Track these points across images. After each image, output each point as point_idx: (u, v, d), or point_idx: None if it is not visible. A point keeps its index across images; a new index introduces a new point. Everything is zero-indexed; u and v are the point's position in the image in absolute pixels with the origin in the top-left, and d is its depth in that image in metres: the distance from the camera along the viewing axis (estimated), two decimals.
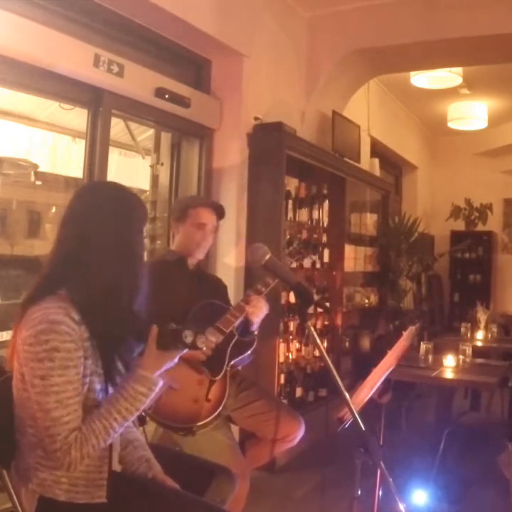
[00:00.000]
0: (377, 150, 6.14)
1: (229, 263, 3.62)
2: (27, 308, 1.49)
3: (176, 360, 1.56)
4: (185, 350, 1.55)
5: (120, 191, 1.65)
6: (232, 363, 2.44)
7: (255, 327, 2.53)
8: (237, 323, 2.41)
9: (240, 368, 2.57)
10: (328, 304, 4.46)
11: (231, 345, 2.43)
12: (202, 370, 2.36)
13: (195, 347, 1.54)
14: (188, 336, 1.52)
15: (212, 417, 2.32)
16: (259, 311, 2.48)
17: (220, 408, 2.35)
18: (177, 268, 2.62)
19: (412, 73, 5.57)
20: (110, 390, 1.56)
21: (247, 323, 2.51)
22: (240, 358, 2.48)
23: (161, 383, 1.54)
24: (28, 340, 1.43)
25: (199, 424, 2.30)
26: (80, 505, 1.51)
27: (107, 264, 1.53)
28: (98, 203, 1.59)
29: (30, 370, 1.43)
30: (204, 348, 1.76)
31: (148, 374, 1.52)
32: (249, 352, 2.51)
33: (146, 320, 1.60)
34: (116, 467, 1.64)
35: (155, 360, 1.53)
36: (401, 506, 1.78)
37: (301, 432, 2.64)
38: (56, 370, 1.41)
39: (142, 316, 1.58)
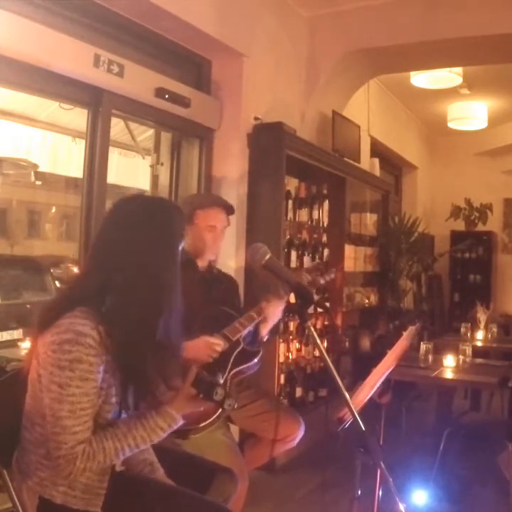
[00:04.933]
0: (377, 150, 6.14)
1: (229, 263, 3.61)
2: (54, 318, 1.45)
3: (201, 409, 1.59)
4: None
5: (147, 212, 1.56)
6: (233, 371, 2.42)
7: (265, 333, 2.51)
8: (244, 332, 2.39)
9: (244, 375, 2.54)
10: (328, 304, 4.46)
11: (235, 353, 2.40)
12: None
13: (221, 406, 1.57)
14: (219, 394, 1.55)
15: (208, 421, 2.28)
16: (275, 316, 2.47)
17: (217, 414, 2.30)
18: (186, 270, 2.57)
19: (412, 73, 5.56)
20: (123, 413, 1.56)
21: (255, 333, 2.49)
22: (243, 367, 2.45)
23: (180, 423, 1.55)
24: (51, 346, 1.42)
25: (194, 427, 2.27)
26: (74, 510, 1.50)
27: (130, 297, 1.49)
28: (125, 226, 1.53)
29: (49, 374, 1.42)
30: (227, 409, 1.76)
31: (173, 411, 1.53)
32: (254, 362, 2.48)
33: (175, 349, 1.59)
34: (119, 467, 1.63)
35: (185, 402, 1.55)
36: (401, 506, 1.78)
37: (300, 433, 2.64)
38: (75, 381, 1.40)
39: (167, 341, 1.54)
